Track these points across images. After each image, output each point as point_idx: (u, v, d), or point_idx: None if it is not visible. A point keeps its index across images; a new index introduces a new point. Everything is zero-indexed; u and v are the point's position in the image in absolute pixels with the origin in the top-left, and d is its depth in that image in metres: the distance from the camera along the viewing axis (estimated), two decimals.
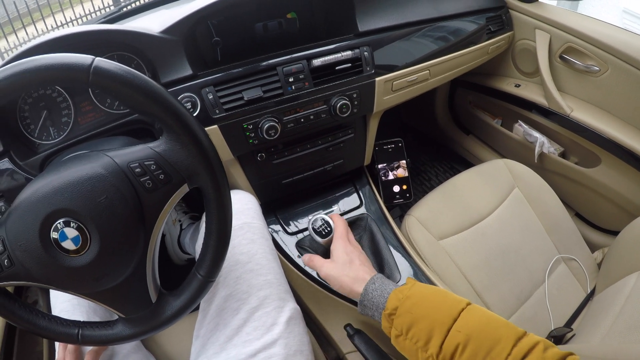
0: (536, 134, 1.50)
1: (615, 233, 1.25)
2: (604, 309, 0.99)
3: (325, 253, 0.96)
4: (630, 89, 1.24)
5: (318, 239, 0.95)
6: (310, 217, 0.99)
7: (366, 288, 0.75)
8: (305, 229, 1.19)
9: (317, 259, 0.88)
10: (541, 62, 1.42)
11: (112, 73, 0.55)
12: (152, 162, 0.60)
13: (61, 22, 5.98)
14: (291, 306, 0.86)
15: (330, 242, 0.94)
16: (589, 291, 1.18)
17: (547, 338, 1.06)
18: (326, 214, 1.02)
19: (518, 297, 1.15)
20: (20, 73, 0.53)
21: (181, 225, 1.45)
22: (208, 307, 0.87)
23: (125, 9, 1.28)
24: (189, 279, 0.69)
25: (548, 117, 1.44)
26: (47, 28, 5.97)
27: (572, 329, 1.06)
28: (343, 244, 0.85)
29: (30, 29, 5.90)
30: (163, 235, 1.43)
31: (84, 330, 0.66)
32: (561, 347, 0.66)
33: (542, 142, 1.48)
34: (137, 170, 0.60)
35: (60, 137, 0.91)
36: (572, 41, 1.34)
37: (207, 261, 0.67)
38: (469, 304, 0.66)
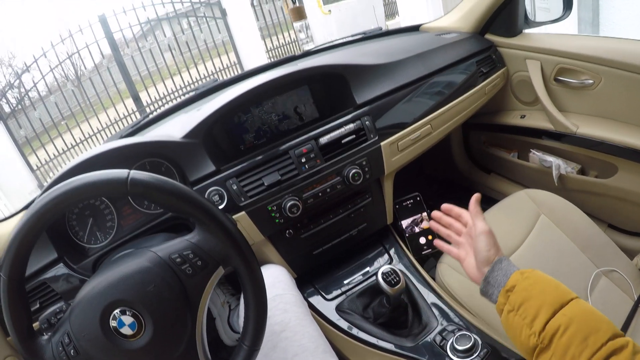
0: (550, 158, 1.52)
1: None
2: None
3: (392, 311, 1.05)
4: (626, 93, 1.27)
5: (387, 288, 1.01)
6: (381, 268, 1.05)
7: (493, 267, 0.80)
8: (342, 294, 1.23)
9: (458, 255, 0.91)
10: (538, 89, 1.47)
11: (146, 182, 0.66)
12: (190, 252, 0.70)
13: (88, 134, 6.33)
14: None
15: (398, 292, 1.02)
16: (635, 298, 1.14)
17: None
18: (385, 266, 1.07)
19: None
20: (71, 190, 0.65)
21: (229, 306, 1.50)
22: None
23: (149, 117, 1.42)
24: (236, 351, 0.76)
25: (558, 139, 1.47)
26: (74, 140, 6.34)
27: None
28: (486, 240, 0.85)
29: (59, 142, 6.28)
30: (214, 319, 1.50)
31: None
32: None
33: (557, 165, 1.50)
34: (178, 260, 0.70)
35: (107, 240, 1.03)
36: (562, 62, 1.39)
37: (249, 332, 0.75)
38: (578, 297, 0.70)
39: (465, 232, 0.91)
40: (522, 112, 1.62)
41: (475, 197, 0.91)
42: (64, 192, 0.65)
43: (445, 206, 0.97)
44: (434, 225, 0.99)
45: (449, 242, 0.95)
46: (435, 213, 0.98)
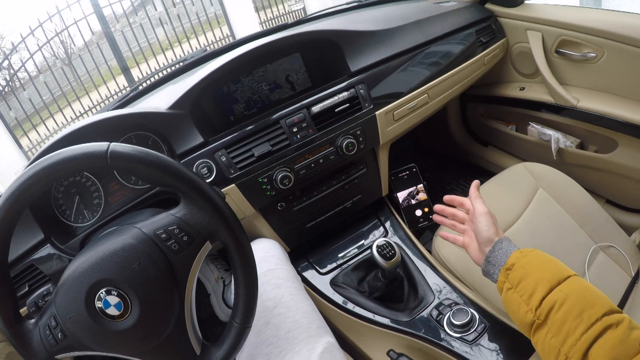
0: (549, 132, 1.50)
1: None
2: None
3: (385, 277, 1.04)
4: (629, 67, 1.25)
5: (382, 261, 1.00)
6: (376, 241, 1.04)
7: (494, 247, 0.82)
8: (337, 267, 1.21)
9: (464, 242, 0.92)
10: (539, 61, 1.44)
11: (126, 154, 0.63)
12: (175, 227, 0.67)
13: (79, 112, 6.24)
14: (324, 340, 0.87)
15: (394, 265, 1.00)
16: (632, 274, 1.14)
17: None
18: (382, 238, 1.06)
19: None
20: (49, 166, 0.61)
21: (224, 281, 1.49)
22: (239, 357, 0.88)
23: (140, 87, 1.37)
24: (227, 329, 0.73)
25: (557, 112, 1.45)
26: (65, 120, 6.23)
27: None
28: (485, 220, 0.86)
29: (50, 123, 6.18)
30: (208, 295, 1.48)
31: None
32: None
33: (556, 138, 1.48)
34: (163, 235, 0.67)
35: (95, 218, 1.00)
36: (564, 34, 1.36)
37: (240, 308, 0.72)
38: (576, 275, 0.71)
39: (467, 218, 0.93)
40: (522, 85, 1.59)
41: (475, 183, 0.93)
42: (41, 168, 0.61)
43: (447, 197, 0.97)
44: (437, 217, 1.00)
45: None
46: (438, 206, 0.99)
